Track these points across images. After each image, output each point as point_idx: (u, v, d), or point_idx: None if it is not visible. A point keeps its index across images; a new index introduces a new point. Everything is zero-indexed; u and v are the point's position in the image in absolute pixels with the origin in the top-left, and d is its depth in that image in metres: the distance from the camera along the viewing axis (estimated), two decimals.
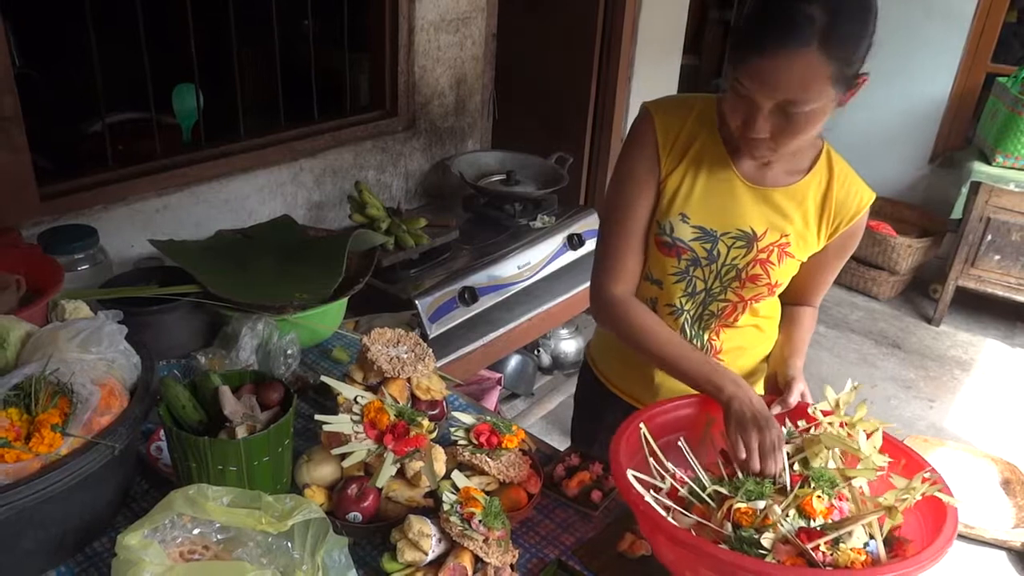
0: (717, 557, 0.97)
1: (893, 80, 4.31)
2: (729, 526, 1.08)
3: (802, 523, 1.08)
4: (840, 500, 1.13)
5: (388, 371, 1.35)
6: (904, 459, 1.21)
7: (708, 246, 1.32)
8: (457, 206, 2.82)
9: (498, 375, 2.77)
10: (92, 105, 2.16)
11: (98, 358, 1.16)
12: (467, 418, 1.35)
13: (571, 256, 2.70)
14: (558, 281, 2.64)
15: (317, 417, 1.23)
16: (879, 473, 1.17)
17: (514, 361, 3.01)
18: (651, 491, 1.11)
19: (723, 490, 1.15)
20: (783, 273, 1.34)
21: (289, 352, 1.53)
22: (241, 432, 1.13)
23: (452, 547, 1.11)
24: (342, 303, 1.73)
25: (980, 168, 3.80)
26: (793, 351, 1.40)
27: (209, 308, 1.59)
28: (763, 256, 1.32)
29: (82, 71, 2.12)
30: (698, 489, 1.15)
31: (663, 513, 1.07)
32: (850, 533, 1.06)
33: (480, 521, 1.10)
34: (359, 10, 2.66)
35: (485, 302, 2.38)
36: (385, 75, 2.69)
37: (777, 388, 1.35)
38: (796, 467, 1.19)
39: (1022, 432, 3.38)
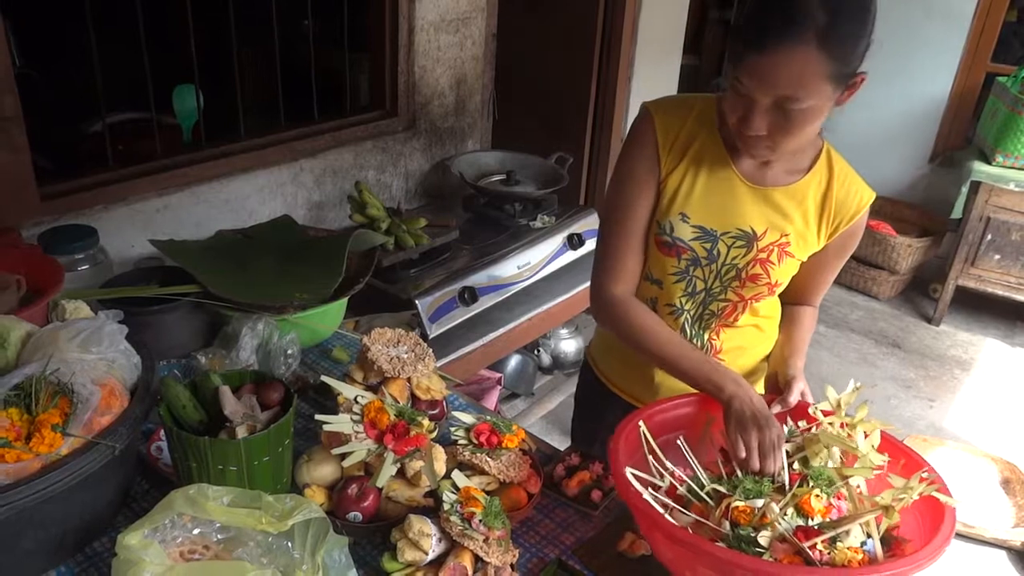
0: (714, 555, 0.97)
1: (893, 80, 4.31)
2: (727, 524, 1.08)
3: (800, 522, 1.08)
4: (838, 499, 1.13)
5: (388, 371, 1.35)
6: (903, 459, 1.21)
7: (708, 246, 1.33)
8: (457, 206, 2.82)
9: (498, 375, 2.77)
10: (92, 105, 2.16)
11: (98, 358, 1.16)
12: (467, 418, 1.36)
13: (571, 256, 2.70)
14: (558, 281, 2.64)
15: (317, 417, 1.23)
16: (876, 472, 1.17)
17: (514, 361, 3.01)
18: (650, 489, 1.11)
19: (722, 488, 1.15)
20: (783, 273, 1.34)
21: (289, 352, 1.53)
22: (241, 432, 1.13)
23: (452, 547, 1.11)
24: (342, 303, 1.73)
25: (980, 168, 3.80)
26: (793, 351, 1.41)
27: (209, 308, 1.59)
28: (763, 256, 1.32)
29: (82, 71, 2.12)
30: (697, 488, 1.16)
31: (661, 511, 1.07)
32: (847, 532, 1.06)
33: (480, 521, 1.10)
34: (359, 10, 2.65)
35: (485, 302, 2.38)
36: (385, 75, 2.69)
37: (777, 387, 1.35)
38: (796, 466, 1.19)
39: (1022, 432, 3.38)
